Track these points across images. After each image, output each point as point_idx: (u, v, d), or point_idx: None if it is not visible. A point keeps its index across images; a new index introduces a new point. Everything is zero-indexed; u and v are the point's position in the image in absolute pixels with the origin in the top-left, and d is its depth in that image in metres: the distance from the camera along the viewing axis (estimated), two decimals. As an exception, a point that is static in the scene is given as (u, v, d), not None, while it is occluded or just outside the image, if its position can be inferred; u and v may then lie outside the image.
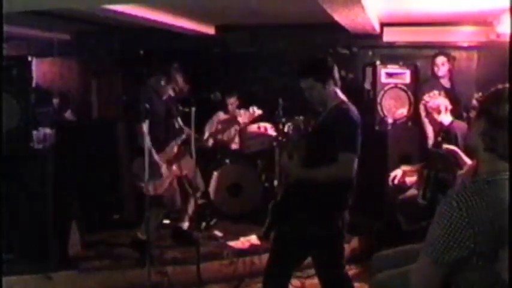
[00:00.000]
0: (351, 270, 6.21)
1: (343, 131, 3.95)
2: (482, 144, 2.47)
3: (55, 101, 8.53)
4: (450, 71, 7.45)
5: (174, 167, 6.09)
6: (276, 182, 6.71)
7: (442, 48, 7.71)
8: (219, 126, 7.54)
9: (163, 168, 5.88)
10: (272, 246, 4.37)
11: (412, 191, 5.97)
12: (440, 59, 7.38)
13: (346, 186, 4.06)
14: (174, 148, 6.04)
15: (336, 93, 4.14)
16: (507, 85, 2.47)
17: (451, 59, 7.44)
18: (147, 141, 5.37)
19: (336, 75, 4.16)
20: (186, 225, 6.43)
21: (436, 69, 7.39)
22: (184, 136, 6.00)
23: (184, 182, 6.22)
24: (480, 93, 5.72)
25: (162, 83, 6.06)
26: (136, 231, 6.08)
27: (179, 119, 6.00)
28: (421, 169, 5.47)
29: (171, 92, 6.24)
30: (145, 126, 5.15)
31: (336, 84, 4.14)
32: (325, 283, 4.29)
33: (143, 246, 5.83)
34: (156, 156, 5.75)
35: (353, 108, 4.09)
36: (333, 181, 3.94)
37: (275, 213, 4.28)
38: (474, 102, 5.97)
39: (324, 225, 4.04)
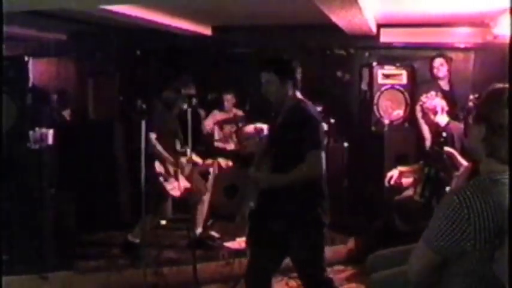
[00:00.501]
0: (347, 271, 6.23)
1: (306, 129, 3.92)
2: (484, 150, 2.46)
3: (53, 100, 8.53)
4: (449, 71, 7.45)
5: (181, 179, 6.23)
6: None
7: (440, 50, 7.72)
8: (215, 128, 7.53)
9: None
10: (251, 250, 4.39)
11: (409, 192, 5.96)
12: (439, 61, 7.36)
13: (317, 183, 4.05)
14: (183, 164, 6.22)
15: (294, 94, 4.12)
16: (503, 85, 2.47)
17: (448, 60, 7.44)
18: (154, 143, 5.90)
19: (298, 77, 4.14)
20: (199, 231, 6.49)
21: (435, 71, 7.36)
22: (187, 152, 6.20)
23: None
24: (476, 95, 5.72)
25: (173, 95, 6.15)
26: (128, 234, 6.10)
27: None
28: (420, 167, 5.45)
29: (182, 105, 6.09)
30: (143, 126, 5.15)
31: (296, 87, 4.12)
32: (307, 285, 4.28)
33: (135, 249, 5.88)
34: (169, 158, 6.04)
35: (312, 106, 4.08)
36: (306, 181, 3.94)
37: (253, 221, 4.28)
38: (470, 104, 5.96)
39: (300, 224, 4.02)
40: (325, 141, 4.07)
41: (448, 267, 2.50)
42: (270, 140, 4.39)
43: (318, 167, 3.88)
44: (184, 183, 6.24)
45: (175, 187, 6.11)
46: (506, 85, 2.48)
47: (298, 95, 4.14)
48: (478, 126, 2.49)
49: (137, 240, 6.07)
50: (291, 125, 3.99)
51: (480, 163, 2.56)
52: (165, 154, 6.02)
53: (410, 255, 2.63)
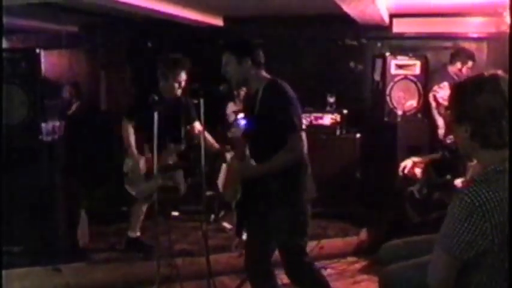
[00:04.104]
0: (360, 263, 6.21)
1: (284, 112, 3.89)
2: (477, 144, 2.45)
3: (64, 93, 8.57)
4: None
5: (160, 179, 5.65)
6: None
7: (454, 40, 7.71)
8: (233, 117, 7.49)
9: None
10: (246, 240, 4.46)
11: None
12: (466, 67, 7.24)
13: (299, 166, 4.03)
14: (168, 158, 5.87)
15: (259, 73, 4.11)
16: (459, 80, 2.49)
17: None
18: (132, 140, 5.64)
19: (260, 58, 4.13)
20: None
21: (453, 69, 7.27)
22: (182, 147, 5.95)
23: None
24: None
25: (165, 80, 5.83)
26: (126, 231, 6.10)
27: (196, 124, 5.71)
28: (428, 163, 5.41)
29: (177, 91, 5.85)
30: (155, 118, 5.09)
31: (258, 67, 4.10)
32: (286, 267, 4.25)
33: (139, 243, 5.91)
34: (137, 156, 5.69)
35: (287, 85, 4.03)
36: (289, 165, 3.94)
37: (241, 211, 4.30)
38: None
39: (280, 200, 4.02)
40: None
41: (467, 272, 2.45)
42: (251, 121, 4.30)
43: (298, 150, 3.90)
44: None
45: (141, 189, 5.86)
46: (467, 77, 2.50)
47: (265, 74, 4.14)
48: (462, 126, 2.47)
49: (138, 234, 6.07)
50: (269, 107, 3.96)
51: (480, 160, 2.53)
52: (134, 151, 5.69)
53: (429, 266, 2.56)
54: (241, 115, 4.57)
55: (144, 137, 5.50)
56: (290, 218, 4.05)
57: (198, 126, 5.72)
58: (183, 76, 5.79)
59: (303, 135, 3.93)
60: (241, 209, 4.28)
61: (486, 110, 2.37)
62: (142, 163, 5.70)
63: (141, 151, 5.70)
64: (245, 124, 4.54)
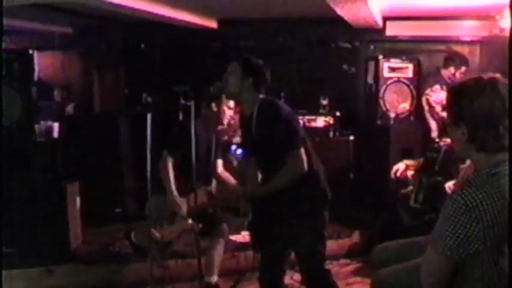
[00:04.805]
0: (352, 265, 6.22)
1: (280, 130, 3.93)
2: (473, 148, 2.44)
3: (57, 94, 8.56)
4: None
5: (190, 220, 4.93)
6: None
7: (447, 44, 7.73)
8: (225, 120, 7.47)
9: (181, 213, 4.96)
10: (260, 253, 4.47)
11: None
12: (459, 72, 7.25)
13: (304, 179, 4.02)
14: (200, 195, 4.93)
15: (256, 95, 4.12)
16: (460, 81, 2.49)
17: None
18: (171, 178, 4.93)
19: (262, 84, 4.16)
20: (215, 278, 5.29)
21: (446, 73, 7.28)
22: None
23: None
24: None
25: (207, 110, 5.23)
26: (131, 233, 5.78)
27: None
28: (418, 169, 5.43)
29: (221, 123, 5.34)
30: (148, 119, 5.05)
31: (256, 90, 4.12)
32: (303, 275, 4.29)
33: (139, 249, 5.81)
34: (178, 199, 4.94)
35: (282, 103, 4.15)
36: (292, 180, 3.96)
37: (254, 230, 4.34)
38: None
39: (295, 211, 4.06)
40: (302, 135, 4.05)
41: (459, 273, 2.46)
42: (252, 142, 4.26)
43: (298, 167, 3.93)
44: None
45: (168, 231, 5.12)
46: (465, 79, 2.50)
47: (261, 96, 4.15)
48: (459, 128, 2.46)
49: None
50: (264, 126, 4.02)
51: (475, 162, 2.53)
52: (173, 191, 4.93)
53: (422, 267, 2.57)
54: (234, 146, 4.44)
55: (182, 175, 4.92)
56: (310, 228, 4.08)
57: (220, 165, 5.39)
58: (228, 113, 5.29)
59: (302, 150, 3.94)
60: (255, 227, 4.31)
61: (484, 114, 2.36)
62: (184, 206, 4.93)
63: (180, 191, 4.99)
64: (241, 153, 4.54)
